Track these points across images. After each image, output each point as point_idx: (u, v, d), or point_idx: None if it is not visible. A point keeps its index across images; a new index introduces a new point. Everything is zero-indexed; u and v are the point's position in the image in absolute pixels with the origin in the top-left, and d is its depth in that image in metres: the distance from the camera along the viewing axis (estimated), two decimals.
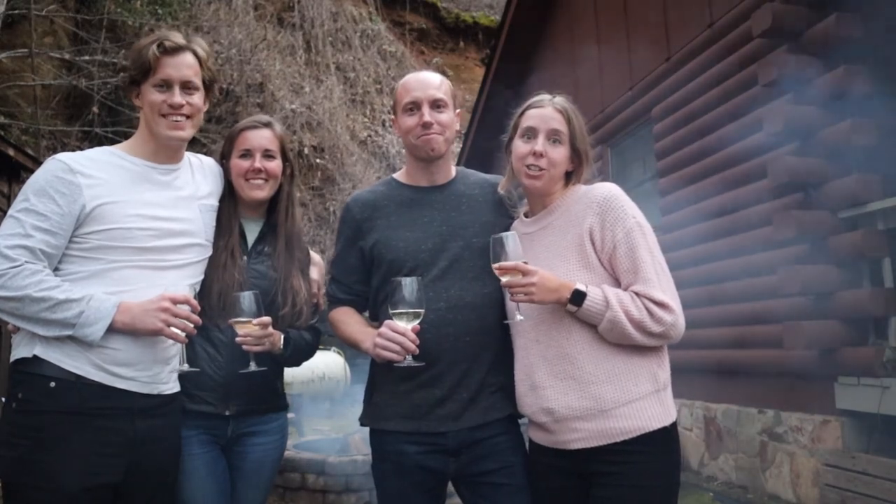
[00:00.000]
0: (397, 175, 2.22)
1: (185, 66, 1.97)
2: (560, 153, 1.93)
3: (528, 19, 8.99)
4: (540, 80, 8.97)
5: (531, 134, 1.94)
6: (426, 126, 2.03)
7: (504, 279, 1.80)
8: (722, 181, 5.30)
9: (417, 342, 1.85)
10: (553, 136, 1.93)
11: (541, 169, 1.91)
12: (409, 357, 1.86)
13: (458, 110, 2.15)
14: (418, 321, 1.86)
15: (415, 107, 2.05)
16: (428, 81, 2.08)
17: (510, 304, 1.93)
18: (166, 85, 1.95)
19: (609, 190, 1.91)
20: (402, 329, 1.85)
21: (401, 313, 1.85)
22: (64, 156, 1.89)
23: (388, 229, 2.07)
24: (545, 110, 1.95)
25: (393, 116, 2.18)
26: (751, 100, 4.97)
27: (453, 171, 2.20)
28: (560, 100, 1.98)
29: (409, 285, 1.84)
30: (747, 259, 4.96)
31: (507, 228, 2.02)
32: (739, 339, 5.04)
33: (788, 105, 4.47)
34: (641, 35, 6.62)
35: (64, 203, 1.80)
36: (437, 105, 2.05)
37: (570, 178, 2.00)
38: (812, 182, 4.34)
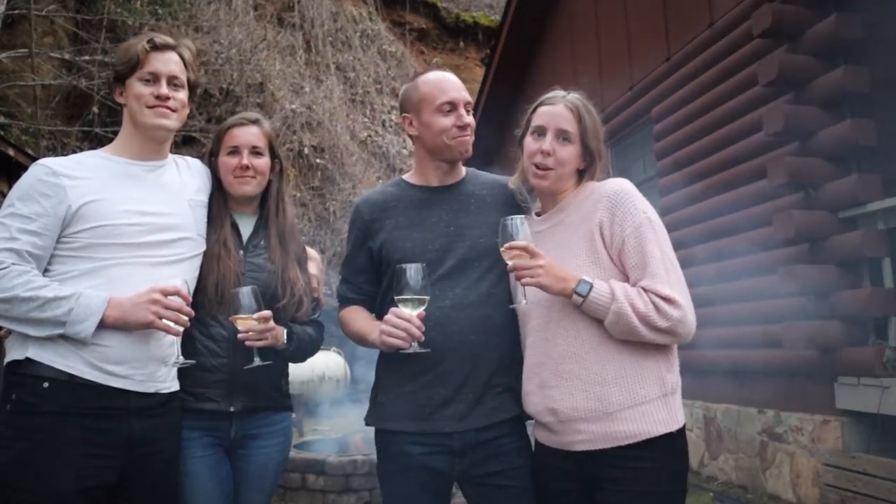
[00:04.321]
0: (406, 176, 2.20)
1: (172, 62, 2.01)
2: (569, 152, 1.91)
3: (528, 19, 8.99)
4: (540, 79, 8.98)
5: (540, 132, 1.92)
6: (464, 128, 2.03)
7: (511, 262, 1.79)
8: (722, 181, 5.31)
9: (423, 329, 1.84)
10: (562, 135, 1.91)
11: (548, 168, 1.90)
12: (414, 344, 1.85)
13: None
14: (423, 308, 1.85)
15: (452, 107, 2.03)
16: (460, 84, 2.08)
17: (516, 289, 1.92)
18: (154, 78, 1.98)
19: (620, 185, 1.89)
20: (407, 315, 1.84)
21: (405, 300, 1.84)
22: (47, 160, 1.92)
23: (396, 230, 2.06)
24: (556, 108, 1.93)
25: (407, 115, 2.11)
26: (751, 100, 4.97)
27: (463, 171, 2.19)
28: (573, 97, 1.95)
29: (413, 272, 1.83)
30: (747, 259, 4.96)
31: None
32: (740, 339, 5.05)
33: (788, 105, 4.47)
34: (641, 35, 6.62)
35: (49, 205, 1.82)
36: (468, 108, 2.06)
37: (582, 175, 1.97)
38: (812, 182, 4.34)
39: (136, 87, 1.97)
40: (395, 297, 1.86)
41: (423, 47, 18.64)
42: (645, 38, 6.54)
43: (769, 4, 4.54)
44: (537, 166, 1.91)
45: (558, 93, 1.97)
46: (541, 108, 1.95)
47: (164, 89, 1.97)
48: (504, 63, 9.52)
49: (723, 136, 5.32)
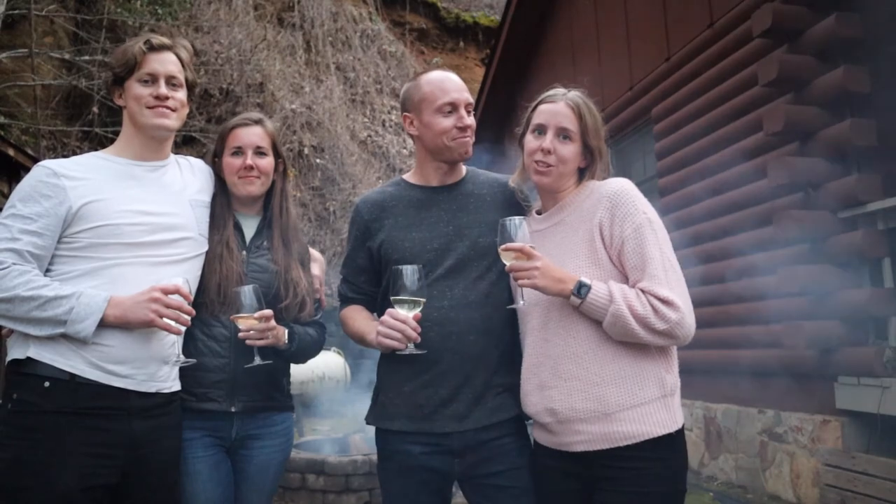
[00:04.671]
0: (407, 175, 2.20)
1: (169, 62, 2.02)
2: (569, 150, 1.90)
3: (528, 19, 8.99)
4: (540, 79, 8.97)
5: (541, 130, 1.92)
6: (465, 129, 2.03)
7: (508, 263, 1.79)
8: (722, 181, 5.31)
9: (419, 330, 1.85)
10: (562, 133, 1.90)
11: (549, 165, 1.89)
12: (410, 345, 1.86)
13: None
14: (419, 309, 1.86)
15: (453, 108, 2.03)
16: (461, 84, 2.07)
17: (516, 289, 1.92)
18: (152, 79, 1.99)
19: (620, 185, 1.89)
20: (402, 317, 1.85)
21: (401, 301, 1.85)
22: (49, 162, 1.93)
23: (395, 229, 2.07)
24: (556, 106, 1.92)
25: (408, 114, 2.11)
26: (751, 100, 4.97)
27: (463, 170, 2.19)
28: (574, 95, 1.94)
29: (409, 273, 1.84)
30: (747, 259, 4.96)
31: None
32: (739, 339, 5.04)
33: (788, 105, 4.47)
34: (641, 35, 6.62)
35: (49, 206, 1.83)
36: (469, 109, 2.06)
37: (583, 174, 1.97)
38: (812, 182, 4.34)
39: (135, 88, 1.99)
40: (392, 299, 1.86)
41: (423, 47, 18.62)
42: (645, 38, 6.54)
43: (769, 4, 4.54)
44: (538, 164, 1.90)
45: (559, 90, 1.96)
46: (541, 106, 1.95)
47: (162, 89, 1.98)
48: (504, 63, 9.52)
49: (723, 136, 5.32)
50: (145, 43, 2.00)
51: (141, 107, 1.98)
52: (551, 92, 1.97)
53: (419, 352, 1.88)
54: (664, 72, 6.21)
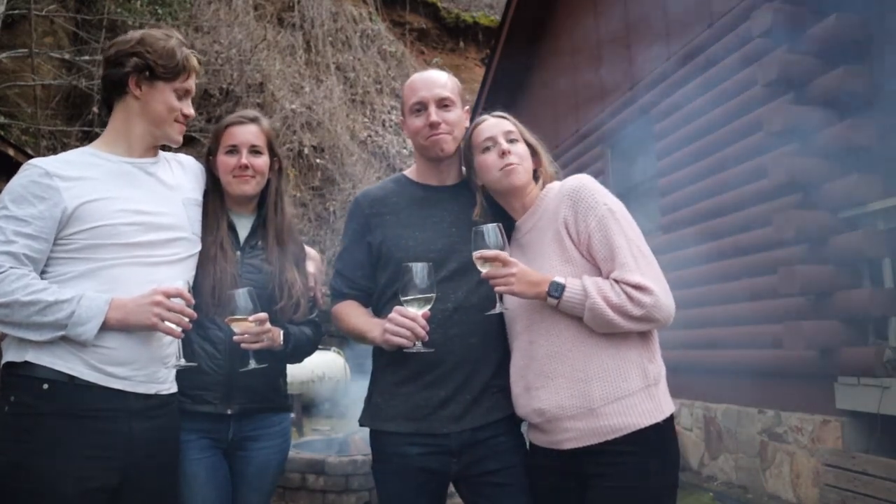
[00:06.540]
0: (407, 172, 2.20)
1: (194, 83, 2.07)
2: (522, 148, 2.00)
3: (528, 19, 8.98)
4: (540, 79, 8.98)
5: (491, 143, 1.98)
6: (433, 126, 2.02)
7: (484, 270, 1.81)
8: (722, 181, 5.30)
9: (428, 328, 1.85)
10: (509, 136, 1.99)
11: (514, 164, 1.95)
12: (419, 343, 1.85)
13: (466, 107, 2.14)
14: (429, 307, 1.85)
15: (422, 107, 2.04)
16: (434, 80, 2.07)
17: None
18: (186, 95, 2.02)
19: (579, 181, 1.94)
20: (412, 314, 1.84)
21: (411, 299, 1.84)
22: (40, 161, 1.89)
23: (398, 227, 2.06)
24: (490, 121, 2.04)
25: (401, 118, 2.16)
26: (751, 100, 4.97)
27: (464, 170, 2.19)
28: (496, 112, 2.08)
29: (419, 271, 1.84)
30: (747, 259, 4.96)
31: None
32: (740, 338, 5.04)
33: (788, 105, 4.47)
34: (641, 35, 6.62)
35: (44, 207, 1.79)
36: (443, 104, 2.04)
37: (536, 177, 2.04)
38: (812, 182, 4.34)
39: (171, 98, 1.98)
40: (401, 297, 1.85)
41: (423, 47, 18.63)
42: (645, 38, 6.54)
43: (769, 4, 4.54)
44: (506, 167, 1.95)
45: (483, 116, 2.08)
46: (479, 128, 2.03)
47: (190, 108, 2.03)
48: (504, 63, 9.51)
49: (723, 136, 5.32)
50: (190, 58, 2.02)
51: (171, 118, 1.99)
52: (478, 119, 2.08)
53: (427, 350, 1.87)
54: (664, 72, 6.21)
